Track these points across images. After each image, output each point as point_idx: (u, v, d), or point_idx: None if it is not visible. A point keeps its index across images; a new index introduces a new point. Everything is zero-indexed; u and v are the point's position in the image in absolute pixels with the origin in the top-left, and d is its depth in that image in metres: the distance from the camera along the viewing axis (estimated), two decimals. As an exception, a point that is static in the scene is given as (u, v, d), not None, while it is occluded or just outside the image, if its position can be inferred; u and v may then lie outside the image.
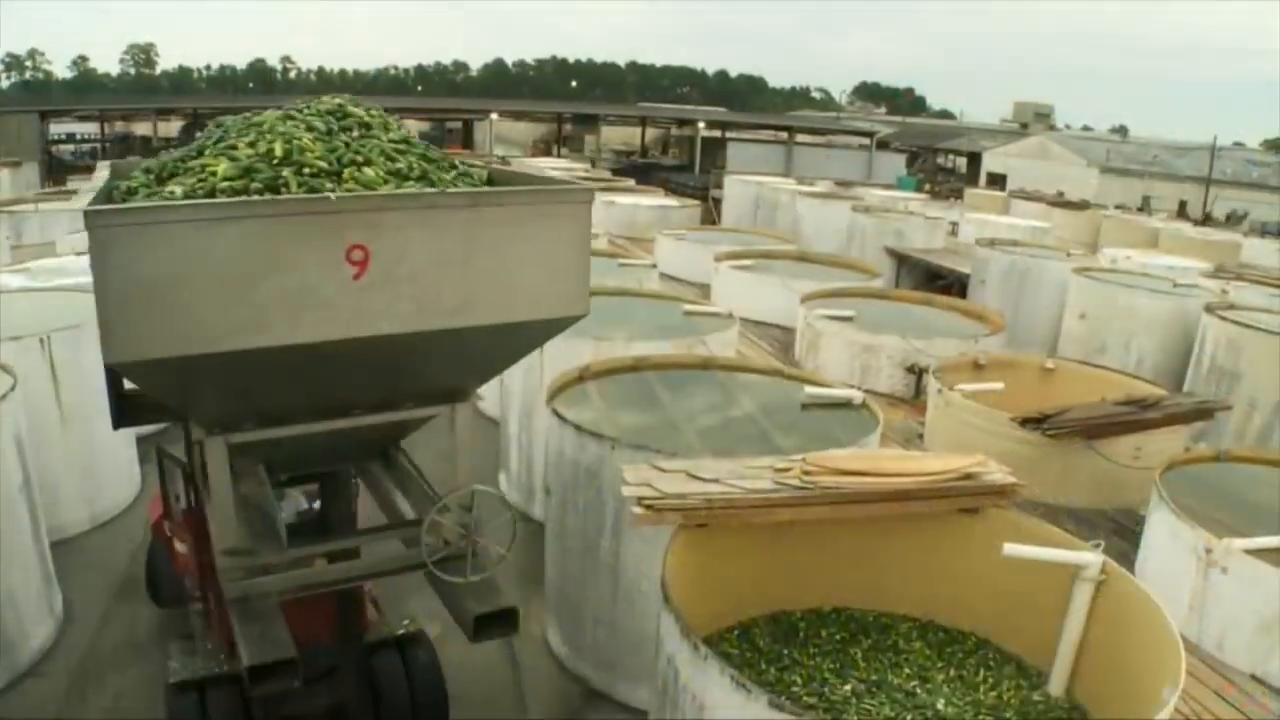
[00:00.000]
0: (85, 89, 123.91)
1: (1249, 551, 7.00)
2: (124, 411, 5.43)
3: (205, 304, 3.35)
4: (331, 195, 3.63)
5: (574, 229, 4.08)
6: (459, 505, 4.52)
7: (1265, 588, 6.86)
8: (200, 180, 3.78)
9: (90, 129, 59.22)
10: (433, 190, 3.94)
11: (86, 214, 3.21)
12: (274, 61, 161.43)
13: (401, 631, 6.26)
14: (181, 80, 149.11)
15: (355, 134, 4.31)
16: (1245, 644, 7.00)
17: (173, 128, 62.67)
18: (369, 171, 3.97)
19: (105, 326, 3.29)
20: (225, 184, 3.72)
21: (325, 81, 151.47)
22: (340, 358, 3.75)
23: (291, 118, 4.28)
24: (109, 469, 9.62)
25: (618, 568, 6.96)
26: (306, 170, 3.86)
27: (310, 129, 4.18)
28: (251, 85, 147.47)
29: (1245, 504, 8.36)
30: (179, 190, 3.74)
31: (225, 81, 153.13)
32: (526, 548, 7.75)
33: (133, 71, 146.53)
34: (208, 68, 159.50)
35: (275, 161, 3.86)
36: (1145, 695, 4.66)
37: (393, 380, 4.26)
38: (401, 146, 4.37)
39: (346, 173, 3.94)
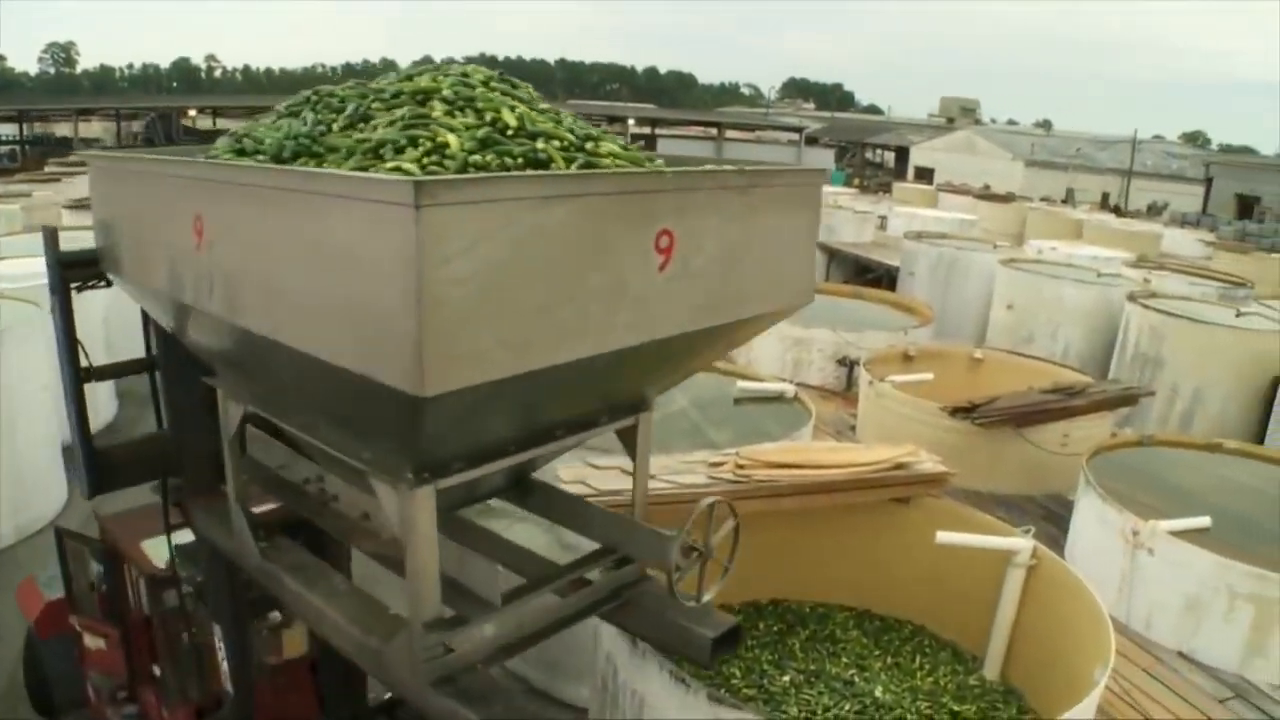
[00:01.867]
0: (2, 88, 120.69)
1: (1174, 533, 7.17)
2: (101, 475, 4.75)
3: (536, 306, 2.71)
4: (664, 171, 3.13)
5: (813, 211, 3.71)
6: (695, 522, 3.79)
7: (1190, 568, 7.03)
8: (427, 154, 3.08)
9: (9, 130, 57.80)
10: (729, 168, 3.42)
11: (416, 186, 2.31)
12: (198, 60, 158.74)
13: (389, 694, 5.59)
14: (103, 79, 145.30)
15: (544, 107, 3.70)
16: (1172, 623, 7.16)
17: (94, 128, 61.36)
18: (612, 146, 3.47)
19: (429, 345, 2.39)
20: (475, 159, 3.07)
21: (251, 80, 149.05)
22: (610, 367, 3.13)
23: (468, 84, 3.59)
24: (35, 481, 9.35)
25: (556, 566, 6.93)
26: (556, 143, 3.29)
27: (514, 98, 3.55)
28: (175, 84, 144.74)
29: (1169, 487, 8.57)
30: (411, 167, 3.01)
31: (149, 80, 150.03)
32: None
33: (52, 71, 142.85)
34: (130, 67, 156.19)
35: (510, 133, 3.28)
36: (1077, 675, 4.77)
37: (614, 392, 3.64)
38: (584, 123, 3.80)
39: (590, 146, 3.41)
